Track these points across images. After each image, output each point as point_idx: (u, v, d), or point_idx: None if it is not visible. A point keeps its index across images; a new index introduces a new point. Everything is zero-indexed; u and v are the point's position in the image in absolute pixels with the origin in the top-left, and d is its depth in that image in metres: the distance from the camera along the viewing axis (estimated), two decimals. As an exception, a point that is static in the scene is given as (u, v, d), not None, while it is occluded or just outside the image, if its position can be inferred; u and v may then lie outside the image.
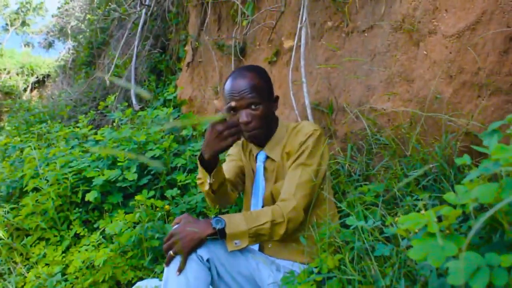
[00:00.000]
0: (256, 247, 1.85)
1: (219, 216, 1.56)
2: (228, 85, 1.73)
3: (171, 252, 1.50)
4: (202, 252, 1.52)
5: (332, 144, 2.52)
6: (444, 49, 1.86)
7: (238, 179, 1.94)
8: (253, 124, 1.70)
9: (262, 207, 1.83)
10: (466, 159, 0.86)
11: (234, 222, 1.54)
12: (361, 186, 2.02)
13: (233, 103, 1.68)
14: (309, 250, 1.70)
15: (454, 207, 0.88)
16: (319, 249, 1.53)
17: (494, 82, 1.68)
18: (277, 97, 1.83)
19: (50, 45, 18.97)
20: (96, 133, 4.23)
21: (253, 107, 1.69)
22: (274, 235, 1.59)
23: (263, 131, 1.74)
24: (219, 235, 1.53)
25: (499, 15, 1.65)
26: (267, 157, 1.82)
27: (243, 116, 1.68)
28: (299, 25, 2.65)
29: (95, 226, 2.96)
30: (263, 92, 1.71)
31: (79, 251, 2.70)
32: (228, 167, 1.94)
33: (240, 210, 2.69)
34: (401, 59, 2.12)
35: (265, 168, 1.83)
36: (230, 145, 1.57)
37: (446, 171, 1.73)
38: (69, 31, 11.67)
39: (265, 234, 1.56)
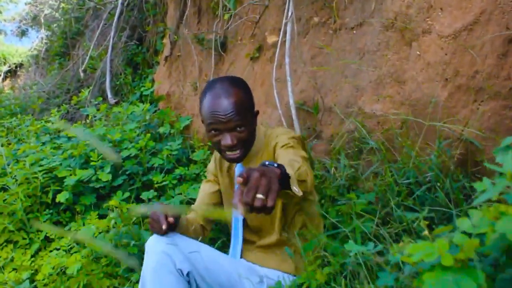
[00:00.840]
0: (238, 254, 1.77)
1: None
2: (210, 102, 1.55)
3: (260, 196, 1.03)
4: (182, 265, 1.46)
5: (317, 146, 2.42)
6: (439, 50, 1.77)
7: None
8: (236, 147, 1.57)
9: (244, 217, 1.75)
10: (486, 183, 0.76)
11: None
12: (348, 192, 1.93)
13: (217, 126, 1.55)
14: (296, 260, 1.63)
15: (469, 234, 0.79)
16: (306, 262, 1.45)
17: (492, 86, 1.59)
18: (257, 112, 1.71)
19: (23, 33, 18.43)
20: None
21: (238, 129, 1.55)
22: (309, 180, 1.34)
23: (245, 153, 1.62)
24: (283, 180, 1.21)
25: (498, 15, 1.56)
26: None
27: (228, 139, 1.54)
28: (284, 20, 2.52)
29: (66, 228, 2.82)
30: (248, 112, 1.59)
31: (49, 256, 2.56)
32: (202, 204, 1.88)
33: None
34: (392, 59, 2.02)
35: None
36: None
37: (440, 180, 1.64)
38: (42, 20, 11.28)
39: (305, 180, 1.30)
